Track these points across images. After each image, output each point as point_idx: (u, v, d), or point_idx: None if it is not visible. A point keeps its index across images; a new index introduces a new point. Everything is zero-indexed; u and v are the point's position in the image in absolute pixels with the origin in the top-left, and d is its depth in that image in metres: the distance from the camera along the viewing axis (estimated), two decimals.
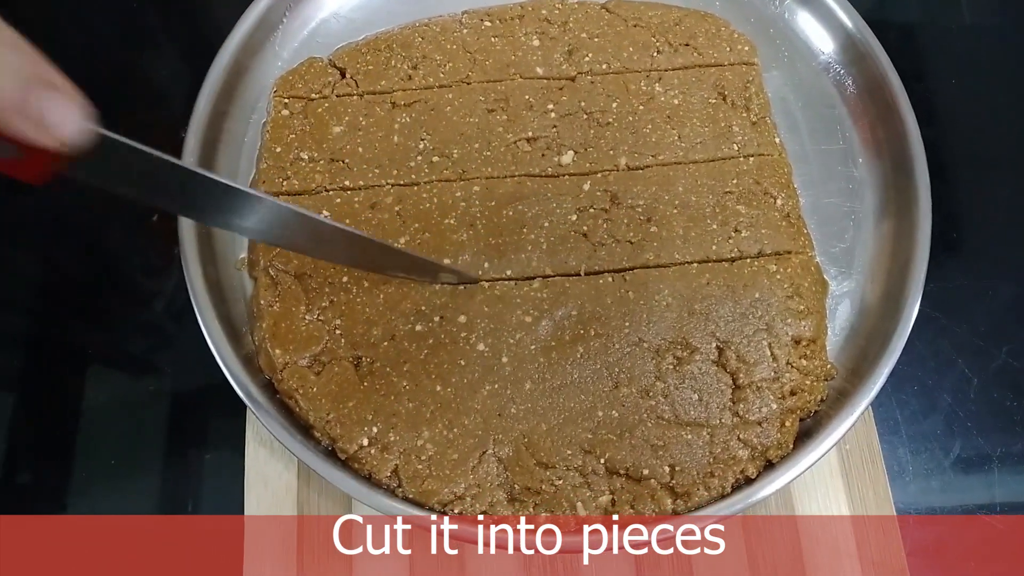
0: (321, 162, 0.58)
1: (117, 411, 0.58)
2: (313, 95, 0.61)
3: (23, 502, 0.56)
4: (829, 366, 0.54)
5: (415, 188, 0.58)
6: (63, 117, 0.30)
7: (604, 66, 0.62)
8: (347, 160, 0.58)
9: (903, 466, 0.57)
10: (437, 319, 0.53)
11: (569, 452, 0.50)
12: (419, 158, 0.59)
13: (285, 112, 0.60)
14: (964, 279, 0.64)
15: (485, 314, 0.54)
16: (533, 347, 0.53)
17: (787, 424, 0.51)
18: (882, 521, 0.54)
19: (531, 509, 0.49)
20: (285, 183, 0.58)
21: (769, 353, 0.53)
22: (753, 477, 0.50)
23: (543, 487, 0.49)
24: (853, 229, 0.60)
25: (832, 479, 0.55)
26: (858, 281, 0.58)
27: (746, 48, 0.64)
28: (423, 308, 0.53)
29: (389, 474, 0.50)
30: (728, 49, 0.64)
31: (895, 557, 0.53)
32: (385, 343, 0.53)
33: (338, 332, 0.53)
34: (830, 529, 0.53)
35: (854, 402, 0.51)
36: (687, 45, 0.63)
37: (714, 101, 0.61)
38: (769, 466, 0.51)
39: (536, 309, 0.54)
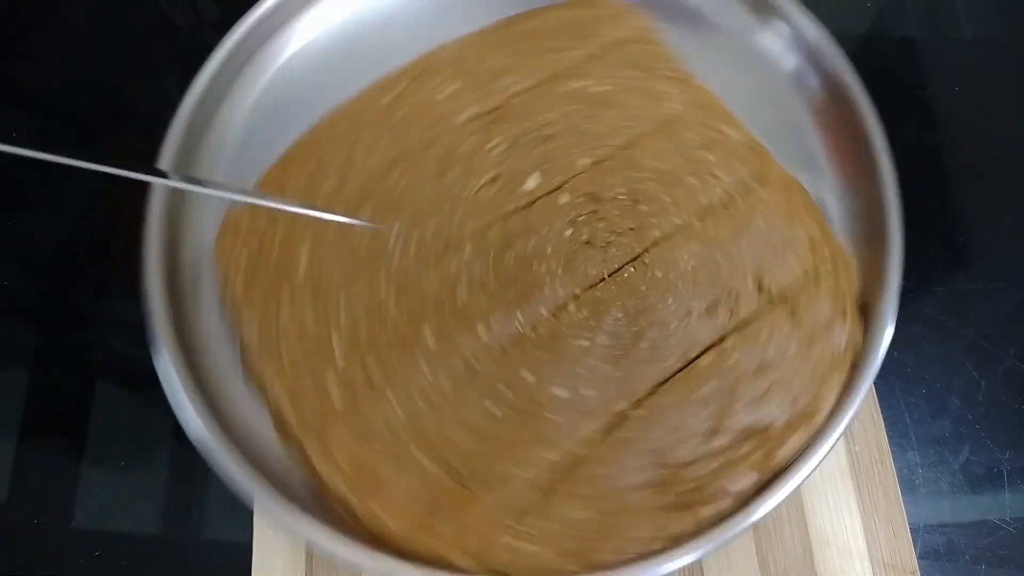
0: (303, 298, 0.54)
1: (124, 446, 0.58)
2: (261, 247, 0.56)
3: (34, 503, 0.56)
4: (848, 256, 0.55)
5: (407, 280, 0.54)
6: None
7: (526, 83, 0.61)
8: (323, 291, 0.54)
9: (912, 468, 0.57)
10: (511, 395, 0.51)
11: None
12: (397, 250, 0.55)
13: (243, 268, 0.55)
14: (970, 283, 0.64)
15: (546, 360, 0.52)
16: (606, 367, 0.52)
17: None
18: (893, 523, 0.54)
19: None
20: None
21: (797, 263, 0.55)
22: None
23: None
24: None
25: (842, 480, 0.55)
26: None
27: (632, 13, 0.63)
28: (500, 386, 0.51)
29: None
30: (622, 23, 0.63)
31: (906, 559, 0.53)
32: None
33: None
34: (840, 530, 0.53)
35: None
36: (585, 37, 0.63)
37: (637, 75, 0.61)
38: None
39: (586, 330, 0.53)
